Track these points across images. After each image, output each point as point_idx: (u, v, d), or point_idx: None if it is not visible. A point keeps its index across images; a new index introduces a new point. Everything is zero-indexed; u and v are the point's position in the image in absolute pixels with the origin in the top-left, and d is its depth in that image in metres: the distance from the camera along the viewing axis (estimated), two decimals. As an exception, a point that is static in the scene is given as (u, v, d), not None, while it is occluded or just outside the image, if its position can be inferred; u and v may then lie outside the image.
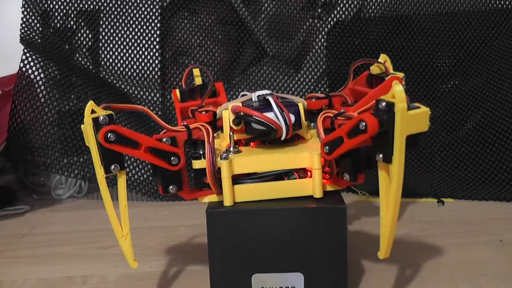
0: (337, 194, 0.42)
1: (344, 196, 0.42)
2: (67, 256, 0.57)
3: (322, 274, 0.40)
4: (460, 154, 0.77)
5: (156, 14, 0.82)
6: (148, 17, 0.82)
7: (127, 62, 0.83)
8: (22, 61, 0.75)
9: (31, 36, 0.79)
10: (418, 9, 0.80)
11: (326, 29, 0.82)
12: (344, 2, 0.80)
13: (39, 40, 0.80)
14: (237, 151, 0.42)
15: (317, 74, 0.82)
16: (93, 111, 0.38)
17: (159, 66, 0.83)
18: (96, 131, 0.37)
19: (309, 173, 0.42)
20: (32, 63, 0.75)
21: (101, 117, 0.38)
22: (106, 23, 0.82)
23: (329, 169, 0.41)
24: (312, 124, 0.47)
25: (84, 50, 0.83)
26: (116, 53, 0.82)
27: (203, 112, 0.48)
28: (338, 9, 0.81)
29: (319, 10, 0.82)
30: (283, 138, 0.42)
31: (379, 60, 0.51)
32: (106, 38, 0.82)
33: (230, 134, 0.43)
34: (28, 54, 0.75)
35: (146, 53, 0.83)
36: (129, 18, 0.82)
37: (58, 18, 0.82)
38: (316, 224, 0.40)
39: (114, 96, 0.79)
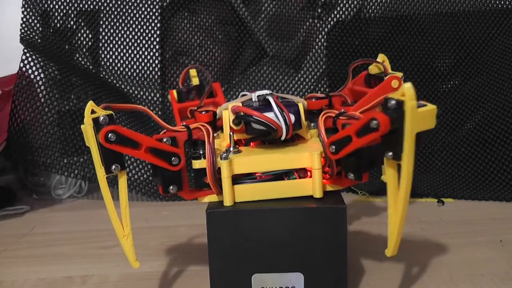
0: (337, 194, 0.42)
1: (344, 196, 0.42)
2: (67, 256, 0.57)
3: (322, 274, 0.40)
4: (460, 154, 0.77)
5: (156, 14, 0.83)
6: (148, 17, 0.82)
7: (127, 62, 0.83)
8: (22, 61, 0.75)
9: (31, 36, 0.79)
10: (418, 9, 0.80)
11: (326, 29, 0.82)
12: (344, 2, 0.80)
13: (39, 40, 0.80)
14: (237, 151, 0.42)
15: (317, 74, 0.82)
16: (93, 111, 0.38)
17: (159, 66, 0.83)
18: (97, 131, 0.37)
19: (309, 173, 0.42)
20: (32, 63, 0.75)
21: (101, 117, 0.38)
22: (106, 23, 0.82)
23: (329, 169, 0.41)
24: (312, 124, 0.47)
25: (84, 50, 0.83)
26: (116, 53, 0.82)
27: (203, 112, 0.48)
28: (338, 9, 0.81)
29: (319, 10, 0.82)
30: (283, 138, 0.42)
31: (377, 60, 0.51)
32: (106, 38, 0.82)
33: (230, 134, 0.43)
34: (28, 54, 0.75)
35: (146, 53, 0.83)
36: (129, 18, 0.82)
37: (58, 18, 0.82)
38: (316, 224, 0.40)
39: (114, 96, 0.79)
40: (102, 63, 0.82)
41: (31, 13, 0.80)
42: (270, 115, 0.41)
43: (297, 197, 0.41)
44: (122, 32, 0.82)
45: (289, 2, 0.83)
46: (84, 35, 0.82)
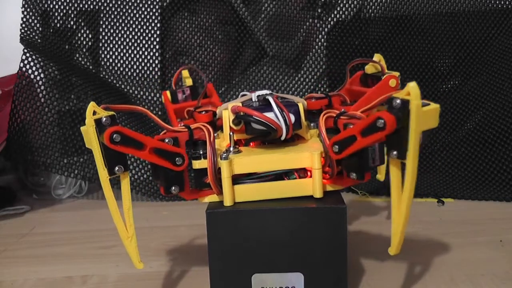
0: (337, 194, 0.42)
1: (344, 196, 0.42)
2: (67, 256, 0.57)
3: (322, 274, 0.40)
4: (460, 154, 0.77)
5: (156, 14, 0.83)
6: (148, 17, 0.82)
7: (127, 62, 0.83)
8: (22, 61, 0.75)
9: (31, 36, 0.79)
10: (418, 9, 0.80)
11: (326, 29, 0.82)
12: (344, 2, 0.80)
13: (39, 40, 0.80)
14: (237, 151, 0.42)
15: (317, 74, 0.82)
16: (94, 113, 0.38)
17: (159, 66, 0.83)
18: (99, 132, 0.37)
19: (309, 173, 0.42)
20: (32, 63, 0.75)
21: (104, 118, 0.37)
22: (106, 23, 0.82)
23: (329, 169, 0.41)
24: (312, 124, 0.47)
25: (84, 50, 0.83)
26: (116, 53, 0.82)
27: (203, 112, 0.48)
28: (338, 9, 0.81)
29: (319, 10, 0.82)
30: (283, 138, 0.42)
31: (373, 59, 0.51)
32: (106, 38, 0.82)
33: (230, 134, 0.43)
34: (28, 54, 0.75)
35: (146, 53, 0.83)
36: (129, 18, 0.82)
37: (58, 18, 0.82)
38: (316, 224, 0.40)
39: (114, 96, 0.79)
40: (102, 63, 0.82)
41: (31, 13, 0.80)
42: (270, 115, 0.41)
43: (297, 197, 0.41)
44: (122, 32, 0.82)
45: (289, 2, 0.83)
46: (84, 35, 0.82)
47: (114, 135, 0.36)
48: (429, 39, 0.80)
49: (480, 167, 0.74)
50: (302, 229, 0.40)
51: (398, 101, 0.34)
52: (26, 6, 0.80)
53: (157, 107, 0.83)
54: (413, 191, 0.35)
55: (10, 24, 0.82)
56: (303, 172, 0.42)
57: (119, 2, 0.82)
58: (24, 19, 0.79)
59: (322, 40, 0.82)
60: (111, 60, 0.82)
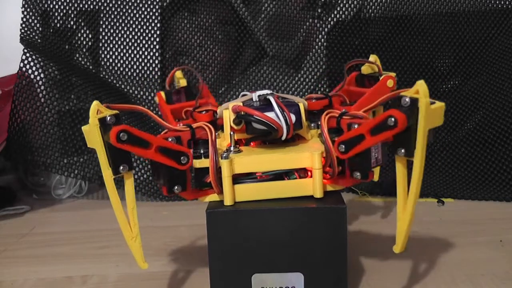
0: (337, 194, 0.42)
1: (344, 196, 0.42)
2: (67, 256, 0.57)
3: (322, 274, 0.40)
4: (460, 154, 0.77)
5: (156, 14, 0.82)
6: (148, 17, 0.82)
7: (127, 62, 0.83)
8: (22, 61, 0.75)
9: (31, 36, 0.79)
10: (418, 9, 0.80)
11: (326, 29, 0.82)
12: (344, 2, 0.80)
13: (39, 40, 0.80)
14: (237, 151, 0.42)
15: (317, 74, 0.82)
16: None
17: (159, 66, 0.83)
18: (104, 132, 0.37)
19: (309, 173, 0.42)
20: (32, 63, 0.75)
21: (109, 117, 0.37)
22: (106, 23, 0.82)
23: (330, 169, 0.41)
24: (312, 125, 0.47)
25: (84, 50, 0.82)
26: (116, 53, 0.82)
27: (203, 112, 0.48)
28: (338, 9, 0.81)
29: (319, 10, 0.82)
30: (283, 138, 0.42)
31: (369, 60, 0.52)
32: (106, 38, 0.82)
33: (230, 134, 0.43)
34: (28, 54, 0.75)
35: (146, 53, 0.83)
36: (129, 18, 0.82)
37: (58, 18, 0.82)
38: (316, 224, 0.40)
39: (114, 96, 0.79)
40: (102, 63, 0.82)
41: (31, 13, 0.80)
42: (271, 114, 0.41)
43: (297, 197, 0.41)
44: (122, 32, 0.82)
45: (289, 2, 0.83)
46: (84, 35, 0.82)
47: (121, 134, 0.36)
48: (429, 39, 0.80)
49: (480, 167, 0.74)
50: (302, 229, 0.40)
51: (407, 99, 0.34)
52: (26, 6, 0.80)
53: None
54: (419, 189, 0.36)
55: (10, 24, 0.82)
56: (303, 172, 0.42)
57: (119, 2, 0.82)
58: (24, 19, 0.79)
59: (322, 40, 0.82)
60: (111, 60, 0.82)
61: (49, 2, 0.81)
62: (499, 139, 0.74)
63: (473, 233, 0.58)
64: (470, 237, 0.56)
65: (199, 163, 0.41)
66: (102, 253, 0.57)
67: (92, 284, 0.49)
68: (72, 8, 0.82)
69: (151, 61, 0.83)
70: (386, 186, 0.72)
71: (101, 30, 0.82)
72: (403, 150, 0.35)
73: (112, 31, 0.82)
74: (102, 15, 0.82)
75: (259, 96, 0.43)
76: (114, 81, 0.82)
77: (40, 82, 0.76)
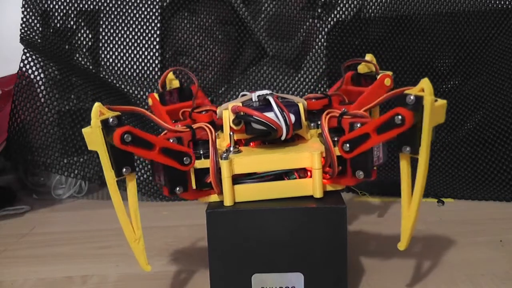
0: (337, 194, 0.42)
1: (344, 196, 0.42)
2: (67, 256, 0.57)
3: (322, 274, 0.40)
4: (460, 154, 0.77)
5: (156, 14, 0.82)
6: (148, 17, 0.82)
7: (127, 62, 0.83)
8: (22, 61, 0.75)
9: (31, 36, 0.79)
10: (418, 9, 0.80)
11: (326, 29, 0.82)
12: (344, 2, 0.80)
13: (39, 40, 0.80)
14: (237, 151, 0.42)
15: (317, 74, 0.82)
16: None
17: (159, 66, 0.83)
18: (107, 133, 0.36)
19: (309, 173, 0.42)
20: (32, 63, 0.75)
21: (111, 119, 0.36)
22: (106, 23, 0.82)
23: (330, 169, 0.41)
24: (312, 124, 0.47)
25: (84, 50, 0.83)
26: (116, 53, 0.82)
27: (203, 112, 0.48)
28: (338, 9, 0.81)
29: (319, 10, 0.82)
30: (283, 138, 0.42)
31: (366, 59, 0.52)
32: (106, 38, 0.82)
33: (230, 134, 0.43)
34: (28, 54, 0.75)
35: (146, 53, 0.83)
36: (129, 18, 0.82)
37: (58, 18, 0.82)
38: (316, 224, 0.40)
39: (114, 96, 0.79)
40: (102, 63, 0.82)
41: (31, 13, 0.80)
42: (270, 115, 0.41)
43: (297, 197, 0.41)
44: (122, 32, 0.82)
45: (289, 2, 0.83)
46: (84, 35, 0.82)
47: (125, 135, 0.36)
48: (429, 39, 0.80)
49: (480, 167, 0.74)
50: (302, 229, 0.40)
51: (412, 97, 0.34)
52: (26, 6, 0.80)
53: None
54: (424, 186, 0.36)
55: (10, 24, 0.82)
56: (303, 172, 0.42)
57: (119, 2, 0.82)
58: (24, 19, 0.79)
59: (322, 40, 0.82)
60: (111, 60, 0.82)
61: (49, 2, 0.81)
62: (499, 139, 0.74)
63: (473, 233, 0.58)
64: (470, 237, 0.56)
65: (199, 164, 0.41)
66: (102, 253, 0.57)
67: (92, 284, 0.49)
68: (72, 8, 0.82)
69: (151, 61, 0.83)
70: (386, 186, 0.72)
71: (101, 30, 0.82)
72: (408, 148, 0.36)
73: (112, 31, 0.82)
74: (102, 15, 0.82)
75: (258, 96, 0.43)
76: (114, 81, 0.82)
77: (40, 82, 0.76)
